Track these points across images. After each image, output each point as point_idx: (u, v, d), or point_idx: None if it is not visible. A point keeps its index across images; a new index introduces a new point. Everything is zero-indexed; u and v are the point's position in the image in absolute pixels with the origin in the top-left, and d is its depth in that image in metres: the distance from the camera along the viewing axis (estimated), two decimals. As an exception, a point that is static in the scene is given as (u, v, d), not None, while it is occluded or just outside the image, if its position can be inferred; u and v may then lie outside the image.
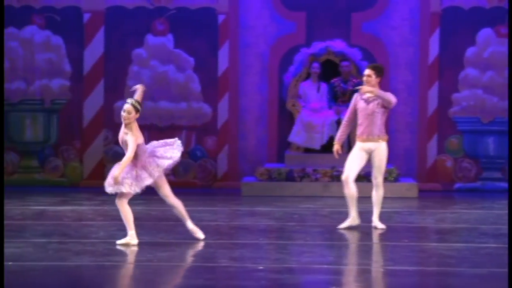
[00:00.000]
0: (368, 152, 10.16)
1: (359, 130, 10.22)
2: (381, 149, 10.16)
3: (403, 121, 14.62)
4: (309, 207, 12.21)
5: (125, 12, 14.67)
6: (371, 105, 10.13)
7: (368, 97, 10.14)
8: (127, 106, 9.19)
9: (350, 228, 10.17)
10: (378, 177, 10.19)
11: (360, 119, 10.19)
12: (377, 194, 10.21)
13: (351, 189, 10.09)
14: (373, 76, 10.12)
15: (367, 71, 10.21)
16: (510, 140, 14.03)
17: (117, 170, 8.89)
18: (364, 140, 10.16)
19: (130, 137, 9.07)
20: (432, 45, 14.50)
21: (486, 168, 14.54)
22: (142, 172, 9.02)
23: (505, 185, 14.45)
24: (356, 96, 10.29)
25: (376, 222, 10.28)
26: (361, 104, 10.17)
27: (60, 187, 14.47)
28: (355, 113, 10.24)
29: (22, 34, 14.66)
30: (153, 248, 8.89)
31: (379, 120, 10.12)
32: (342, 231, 10.15)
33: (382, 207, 10.30)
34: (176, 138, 9.37)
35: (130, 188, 8.94)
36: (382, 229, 10.25)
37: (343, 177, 10.13)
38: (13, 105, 14.69)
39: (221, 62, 14.61)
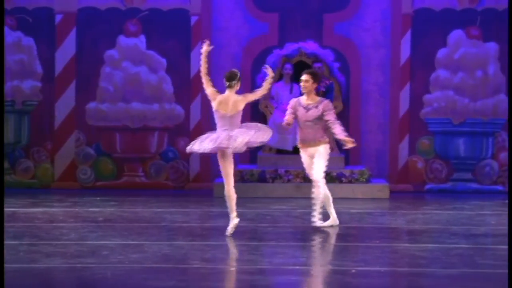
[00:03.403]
0: (310, 156, 10.26)
1: (300, 137, 10.33)
2: (321, 149, 10.19)
3: (375, 122, 14.69)
4: (282, 208, 12.22)
5: (97, 13, 14.63)
6: (310, 112, 10.20)
7: (306, 104, 10.19)
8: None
9: (331, 227, 10.36)
10: (318, 176, 10.14)
11: (300, 126, 10.26)
12: (317, 193, 10.22)
13: (320, 191, 10.20)
14: (311, 82, 10.23)
15: (304, 77, 10.25)
16: (510, 140, 14.14)
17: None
18: (305, 146, 10.28)
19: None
20: (404, 47, 14.57)
21: (457, 169, 14.63)
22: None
23: (475, 186, 14.56)
24: (294, 101, 10.31)
25: (316, 221, 10.28)
26: (300, 111, 10.24)
27: (31, 189, 14.39)
28: (294, 115, 10.24)
29: (-7, 35, 14.57)
30: (125, 250, 8.87)
31: (319, 126, 10.18)
32: (314, 232, 10.18)
33: (322, 207, 10.28)
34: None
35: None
36: (323, 227, 10.27)
37: (314, 180, 10.23)
38: (-16, 106, 14.60)
39: (193, 64, 14.60)
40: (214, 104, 9.80)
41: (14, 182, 14.59)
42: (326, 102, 10.30)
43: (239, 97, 9.84)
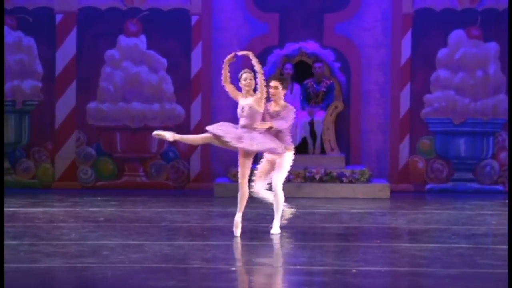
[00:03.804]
0: (271, 162, 10.07)
1: None
2: (284, 157, 10.01)
3: (375, 122, 14.69)
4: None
5: (97, 13, 14.63)
6: (274, 119, 9.99)
7: (273, 111, 10.05)
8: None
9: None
10: (278, 183, 9.99)
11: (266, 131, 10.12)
12: (275, 200, 10.05)
13: (279, 199, 10.04)
14: (280, 88, 10.02)
15: (273, 83, 10.06)
16: (510, 140, 14.14)
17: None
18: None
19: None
20: (404, 47, 14.58)
21: (457, 169, 14.63)
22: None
23: (476, 186, 14.57)
24: (267, 106, 10.08)
25: (275, 227, 10.10)
26: (267, 118, 10.01)
27: (31, 189, 14.40)
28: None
29: (-6, 35, 14.57)
30: (125, 250, 8.87)
31: (283, 133, 10.00)
32: (314, 232, 10.18)
33: (280, 212, 10.17)
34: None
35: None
36: (276, 234, 10.08)
37: (272, 188, 10.04)
38: (-16, 106, 14.60)
39: (194, 63, 14.61)
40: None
41: (14, 182, 14.59)
42: (288, 109, 10.04)
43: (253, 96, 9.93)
